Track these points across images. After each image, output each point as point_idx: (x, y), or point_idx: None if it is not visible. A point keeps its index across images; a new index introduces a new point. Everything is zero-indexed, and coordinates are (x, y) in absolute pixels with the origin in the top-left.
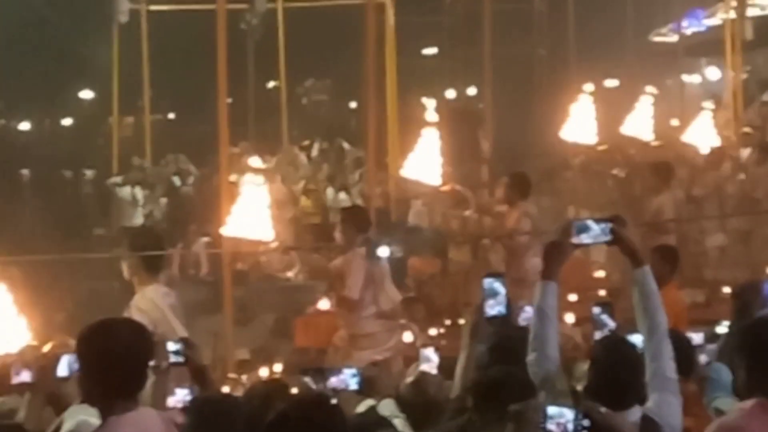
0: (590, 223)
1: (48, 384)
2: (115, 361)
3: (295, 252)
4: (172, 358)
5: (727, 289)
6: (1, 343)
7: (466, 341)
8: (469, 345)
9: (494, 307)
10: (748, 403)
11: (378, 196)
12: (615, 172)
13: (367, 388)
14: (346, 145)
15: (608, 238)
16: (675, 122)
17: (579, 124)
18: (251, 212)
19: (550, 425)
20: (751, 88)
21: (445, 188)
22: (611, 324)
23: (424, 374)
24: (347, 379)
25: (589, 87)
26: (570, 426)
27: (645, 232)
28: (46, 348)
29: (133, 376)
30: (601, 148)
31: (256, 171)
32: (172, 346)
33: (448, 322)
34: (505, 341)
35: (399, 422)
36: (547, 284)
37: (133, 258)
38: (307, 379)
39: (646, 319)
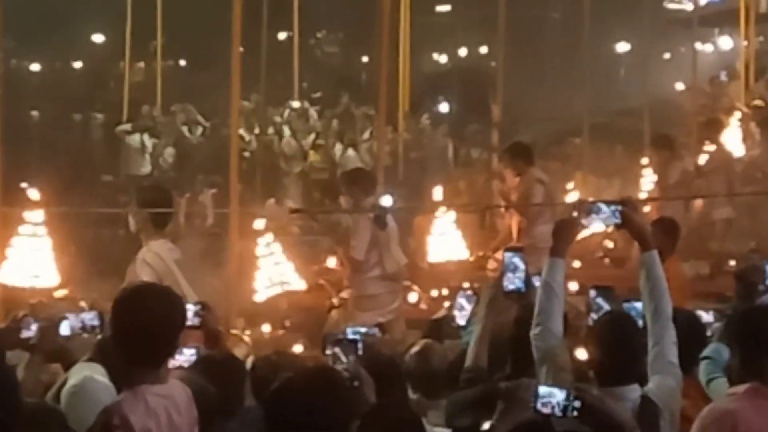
0: (601, 205)
1: (50, 344)
2: (147, 330)
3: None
4: (188, 321)
5: (732, 262)
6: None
7: (482, 313)
8: (484, 317)
9: (513, 282)
10: (741, 388)
11: (387, 154)
12: None
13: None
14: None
15: (617, 220)
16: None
17: None
18: None
19: (540, 405)
20: (763, 60)
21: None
22: (606, 308)
23: (428, 344)
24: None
25: None
26: (560, 406)
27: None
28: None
29: (165, 344)
30: None
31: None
32: (190, 306)
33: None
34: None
35: None
36: (555, 261)
37: (141, 212)
38: (338, 350)
39: (651, 302)
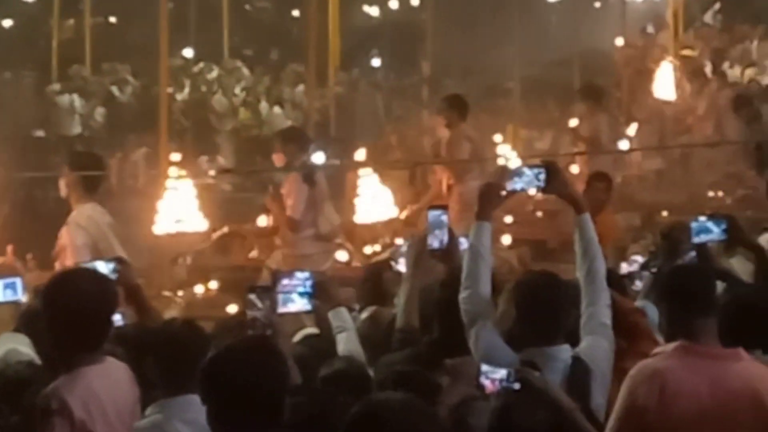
0: (524, 168)
1: None
2: (80, 315)
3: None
4: None
5: (664, 213)
6: None
7: (409, 272)
8: (412, 276)
9: (438, 239)
10: (670, 346)
11: (317, 110)
12: None
13: (319, 292)
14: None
15: (542, 184)
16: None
17: None
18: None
19: (484, 380)
20: (692, 9)
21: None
22: None
23: (378, 310)
24: (299, 282)
25: None
26: (501, 383)
27: (583, 155)
28: None
29: (100, 327)
30: None
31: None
32: (104, 265)
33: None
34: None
35: (345, 336)
36: (481, 224)
37: (72, 176)
38: (253, 297)
39: (584, 264)
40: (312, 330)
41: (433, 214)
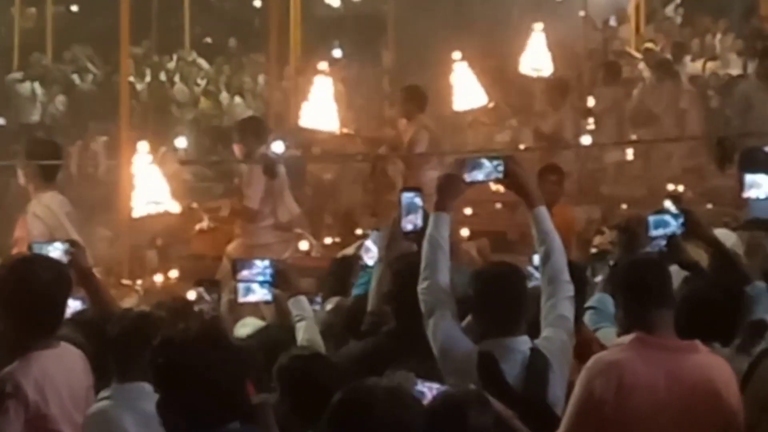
0: (483, 160)
1: None
2: (34, 300)
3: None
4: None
5: (624, 206)
6: None
7: (381, 254)
8: (384, 258)
9: (412, 222)
10: (627, 338)
11: (278, 101)
12: None
13: (279, 280)
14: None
15: (500, 176)
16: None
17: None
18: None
19: (422, 388)
20: (654, 1)
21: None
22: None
23: (342, 300)
24: (259, 270)
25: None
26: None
27: (544, 150)
28: None
29: (53, 313)
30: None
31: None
32: (59, 246)
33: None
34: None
35: (304, 325)
36: (440, 215)
37: (30, 165)
38: (201, 290)
39: (544, 257)
40: (257, 321)
41: (406, 196)
